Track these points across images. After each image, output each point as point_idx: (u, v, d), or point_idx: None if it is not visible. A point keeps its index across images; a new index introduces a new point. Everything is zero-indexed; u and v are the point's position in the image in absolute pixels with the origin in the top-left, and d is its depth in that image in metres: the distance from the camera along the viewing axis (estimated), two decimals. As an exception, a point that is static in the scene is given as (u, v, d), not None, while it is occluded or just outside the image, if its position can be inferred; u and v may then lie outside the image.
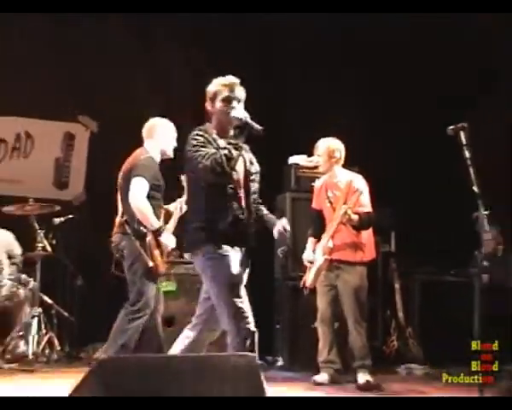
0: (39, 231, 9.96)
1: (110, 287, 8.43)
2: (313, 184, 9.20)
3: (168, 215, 8.47)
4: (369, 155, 9.45)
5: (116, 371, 5.16)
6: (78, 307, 9.95)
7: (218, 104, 6.35)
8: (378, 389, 8.50)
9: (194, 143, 6.21)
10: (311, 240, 8.95)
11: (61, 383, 7.81)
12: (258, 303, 10.23)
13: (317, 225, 8.92)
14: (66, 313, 10.23)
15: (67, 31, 10.98)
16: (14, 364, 9.56)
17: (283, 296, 10.16)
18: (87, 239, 8.78)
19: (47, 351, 9.94)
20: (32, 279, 10.08)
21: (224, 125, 6.35)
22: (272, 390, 5.53)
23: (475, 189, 6.59)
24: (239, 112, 6.25)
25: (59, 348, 10.03)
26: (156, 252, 7.99)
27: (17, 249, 10.49)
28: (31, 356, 9.68)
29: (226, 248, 6.30)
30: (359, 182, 8.64)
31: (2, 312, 9.94)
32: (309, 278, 8.79)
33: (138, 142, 8.40)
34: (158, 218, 8.08)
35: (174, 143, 8.36)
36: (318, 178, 9.10)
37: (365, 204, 8.60)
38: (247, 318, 6.42)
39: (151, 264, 7.93)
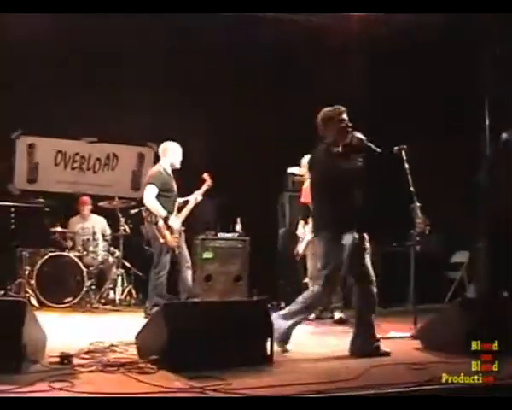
0: (122, 218, 10.03)
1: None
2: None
3: (186, 204, 8.62)
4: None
5: (174, 313, 5.17)
6: (147, 268, 9.94)
7: (337, 126, 6.02)
8: (347, 323, 8.47)
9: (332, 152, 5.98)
10: (301, 222, 8.98)
11: (136, 318, 8.04)
12: (268, 269, 10.32)
13: (305, 212, 8.94)
14: (139, 273, 10.21)
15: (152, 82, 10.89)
16: (106, 305, 9.68)
17: (285, 262, 10.09)
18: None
19: (127, 298, 10.03)
20: (117, 250, 10.12)
21: (339, 142, 6.05)
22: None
23: (412, 189, 6.61)
24: (360, 134, 6.08)
25: (135, 296, 10.07)
26: (166, 232, 8.21)
27: (108, 230, 10.59)
28: (117, 301, 9.86)
29: (339, 233, 5.97)
30: None
31: (98, 272, 10.04)
32: (300, 248, 8.83)
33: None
34: (171, 209, 8.36)
35: (180, 159, 8.57)
36: (305, 181, 9.11)
37: None
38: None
39: (162, 240, 8.17)
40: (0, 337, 4.61)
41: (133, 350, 5.54)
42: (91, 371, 4.79)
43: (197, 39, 10.52)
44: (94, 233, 10.35)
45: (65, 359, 5.06)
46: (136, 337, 5.50)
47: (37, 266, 9.43)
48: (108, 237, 10.41)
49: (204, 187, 8.69)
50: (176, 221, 8.34)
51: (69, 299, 9.45)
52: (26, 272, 9.52)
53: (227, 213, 10.47)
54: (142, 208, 8.54)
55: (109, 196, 10.64)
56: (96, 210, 10.66)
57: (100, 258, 10.02)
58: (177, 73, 10.88)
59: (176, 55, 10.81)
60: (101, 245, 10.18)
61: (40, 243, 9.72)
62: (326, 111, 6.17)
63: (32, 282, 9.40)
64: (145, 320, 6.91)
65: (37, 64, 10.47)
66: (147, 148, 11.95)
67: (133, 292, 10.05)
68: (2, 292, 9.18)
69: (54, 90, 10.47)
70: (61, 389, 4.15)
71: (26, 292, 9.36)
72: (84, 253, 9.94)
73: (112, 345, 5.84)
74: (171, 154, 8.54)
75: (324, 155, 6.06)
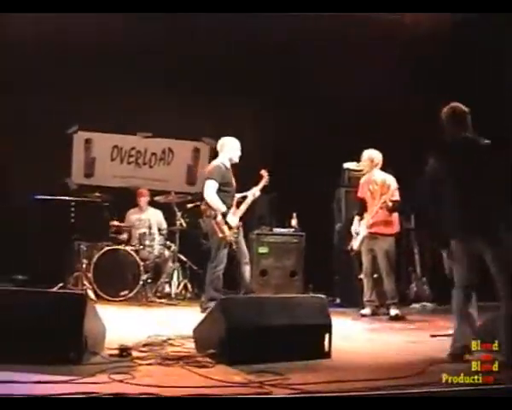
0: (178, 212, 10.10)
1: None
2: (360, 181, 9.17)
3: (243, 200, 8.62)
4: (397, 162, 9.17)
5: (232, 307, 5.19)
6: (203, 263, 9.99)
7: (462, 123, 5.63)
8: (403, 319, 8.43)
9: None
10: (356, 218, 8.97)
11: (191, 312, 8.30)
12: (324, 264, 10.29)
13: (361, 208, 8.92)
14: (195, 267, 10.29)
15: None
16: (162, 299, 9.74)
17: (340, 258, 10.05)
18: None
19: (183, 292, 10.08)
20: (173, 244, 10.19)
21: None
22: (333, 319, 5.51)
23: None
24: None
25: (190, 290, 10.13)
26: (224, 227, 8.24)
27: (164, 224, 10.69)
28: (173, 295, 9.91)
29: None
30: (391, 180, 8.63)
31: (154, 266, 10.10)
32: (355, 244, 8.82)
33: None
34: (230, 204, 8.38)
35: (239, 153, 8.59)
36: (361, 176, 9.11)
37: (396, 196, 8.57)
38: None
39: (220, 235, 8.20)
40: (62, 329, 4.71)
41: (190, 344, 5.58)
42: (150, 364, 4.85)
43: (252, 39, 10.51)
44: (150, 226, 10.47)
45: (124, 351, 5.12)
46: (194, 331, 5.53)
47: (95, 259, 9.55)
48: (164, 232, 10.46)
49: (262, 183, 8.70)
50: (234, 216, 8.37)
51: (125, 292, 9.53)
52: (84, 266, 9.64)
53: (283, 208, 10.48)
54: (200, 203, 8.59)
55: (165, 190, 10.76)
56: (153, 204, 10.80)
57: (156, 252, 10.08)
58: (232, 69, 10.89)
59: (232, 53, 10.80)
60: (158, 239, 10.22)
61: (99, 237, 9.82)
62: (461, 107, 5.73)
63: (90, 275, 9.52)
64: (201, 314, 6.99)
65: (94, 61, 10.62)
66: (202, 143, 12.04)
67: (188, 286, 10.11)
68: (61, 285, 9.32)
69: (110, 86, 10.59)
70: (121, 381, 4.20)
71: (84, 285, 9.47)
72: (141, 247, 10.00)
73: (169, 339, 5.89)
74: (229, 149, 8.55)
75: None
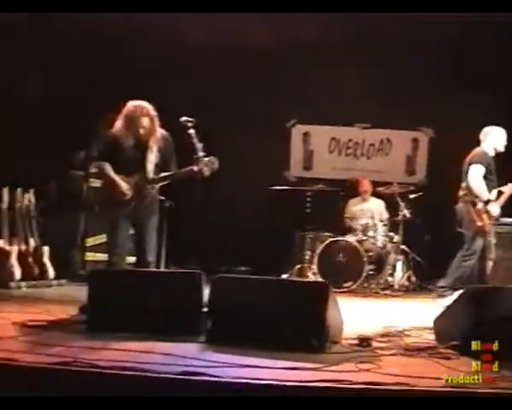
0: (401, 203, 10.01)
1: (450, 239, 8.34)
2: None
3: (501, 193, 8.21)
4: None
5: (478, 298, 5.03)
6: (427, 253, 9.85)
7: None
8: None
9: None
10: None
11: (418, 304, 8.35)
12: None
13: None
14: (418, 258, 10.16)
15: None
16: (385, 291, 9.69)
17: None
18: (430, 207, 8.75)
19: (406, 283, 9.95)
20: (396, 235, 10.09)
21: None
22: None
23: None
24: None
25: (414, 281, 10.00)
26: (484, 216, 7.95)
27: (386, 215, 10.60)
28: (396, 286, 9.82)
29: None
30: None
31: (377, 257, 10.05)
32: None
33: (457, 143, 8.57)
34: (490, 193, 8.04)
35: (505, 143, 8.22)
36: None
37: None
38: None
39: (479, 223, 7.93)
40: (305, 317, 4.81)
41: (427, 335, 5.51)
42: (393, 355, 4.81)
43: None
44: (372, 217, 10.37)
45: (363, 341, 5.13)
46: (435, 322, 5.43)
47: (319, 250, 9.67)
48: (387, 222, 10.35)
49: None
50: (495, 207, 8.08)
51: (349, 284, 9.52)
52: (307, 257, 9.79)
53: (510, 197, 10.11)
54: (422, 193, 8.43)
55: (387, 181, 10.73)
56: (375, 195, 10.78)
57: (379, 243, 9.99)
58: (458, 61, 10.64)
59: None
60: (381, 230, 10.12)
61: (329, 227, 9.96)
62: None
63: (313, 266, 9.65)
64: (430, 305, 6.91)
65: (310, 57, 10.80)
66: (420, 132, 11.87)
67: (412, 278, 9.98)
68: (285, 276, 9.53)
69: (326, 79, 10.62)
70: (368, 371, 4.20)
71: (307, 276, 9.61)
72: (364, 238, 9.97)
73: (405, 329, 5.84)
74: (494, 137, 8.21)
75: None
